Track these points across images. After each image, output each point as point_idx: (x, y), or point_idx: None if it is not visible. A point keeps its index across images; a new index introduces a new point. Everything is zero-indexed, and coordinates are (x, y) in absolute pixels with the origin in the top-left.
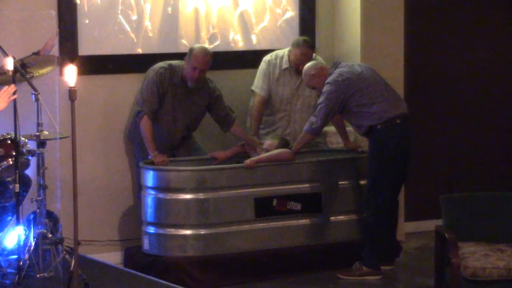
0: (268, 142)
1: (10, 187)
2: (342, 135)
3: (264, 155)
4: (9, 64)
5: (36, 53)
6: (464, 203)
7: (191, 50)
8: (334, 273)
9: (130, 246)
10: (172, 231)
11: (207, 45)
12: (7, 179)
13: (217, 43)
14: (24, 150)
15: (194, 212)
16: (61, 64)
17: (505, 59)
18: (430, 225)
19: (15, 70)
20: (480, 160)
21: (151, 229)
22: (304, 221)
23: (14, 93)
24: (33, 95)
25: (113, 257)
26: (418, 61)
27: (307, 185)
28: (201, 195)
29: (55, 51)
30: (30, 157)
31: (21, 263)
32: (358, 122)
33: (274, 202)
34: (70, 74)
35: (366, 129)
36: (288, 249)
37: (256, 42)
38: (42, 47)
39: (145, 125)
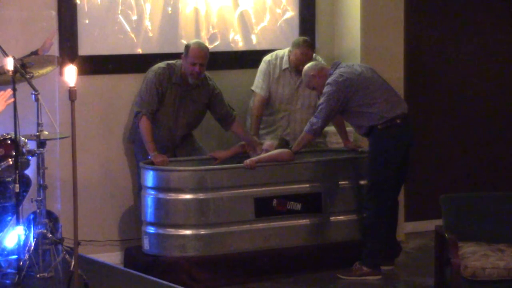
0: (268, 142)
1: (10, 187)
2: (342, 135)
3: (264, 155)
4: (9, 64)
5: (35, 53)
6: (464, 203)
7: (187, 46)
8: (334, 273)
9: (130, 246)
10: (172, 231)
11: (207, 45)
12: (7, 179)
13: (217, 43)
14: (24, 150)
15: (194, 212)
16: (61, 64)
17: (505, 59)
18: (430, 225)
19: (15, 70)
20: (480, 160)
21: (151, 229)
22: (304, 221)
23: (12, 96)
24: (33, 95)
25: (113, 257)
26: (418, 61)
27: (307, 185)
28: (201, 195)
29: (55, 51)
30: (30, 157)
31: (21, 263)
32: (358, 122)
33: (274, 202)
34: (70, 74)
35: (366, 129)
36: (288, 249)
37: (256, 42)
38: (41, 46)
39: (144, 125)
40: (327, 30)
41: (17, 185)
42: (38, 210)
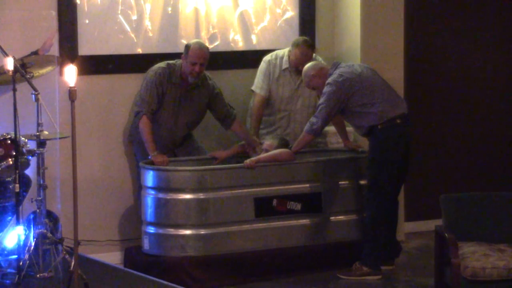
0: (267, 142)
1: (10, 187)
2: (342, 135)
3: (264, 155)
4: (9, 64)
5: (35, 53)
6: (464, 203)
7: (187, 46)
8: (334, 273)
9: (130, 246)
10: (172, 231)
11: (207, 44)
12: (7, 179)
13: (217, 43)
14: (24, 150)
15: (194, 212)
16: (61, 64)
17: (505, 59)
18: (430, 225)
19: (15, 70)
20: (480, 160)
21: (151, 229)
22: (304, 221)
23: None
24: (33, 95)
25: (113, 257)
26: (418, 61)
27: (307, 185)
28: (201, 195)
29: (55, 51)
30: (30, 157)
31: (21, 263)
32: (358, 123)
33: (274, 202)
34: (70, 74)
35: (366, 129)
36: (288, 249)
37: (256, 42)
38: (41, 46)
39: (144, 125)
40: (327, 30)
41: (17, 185)
42: (38, 210)
